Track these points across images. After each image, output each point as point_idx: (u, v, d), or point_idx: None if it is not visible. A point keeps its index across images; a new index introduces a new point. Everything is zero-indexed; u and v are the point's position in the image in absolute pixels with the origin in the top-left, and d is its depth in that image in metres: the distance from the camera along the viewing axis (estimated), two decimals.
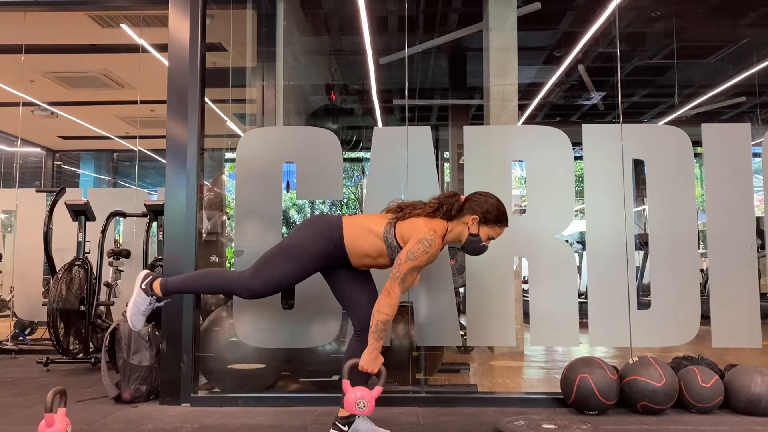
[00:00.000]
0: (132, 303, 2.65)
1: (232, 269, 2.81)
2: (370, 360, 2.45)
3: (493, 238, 2.63)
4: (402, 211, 2.60)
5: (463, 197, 2.63)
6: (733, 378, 3.11)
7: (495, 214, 2.58)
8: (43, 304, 4.44)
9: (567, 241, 3.60)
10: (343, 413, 2.58)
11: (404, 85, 3.66)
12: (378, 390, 2.43)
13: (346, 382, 2.42)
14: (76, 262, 4.49)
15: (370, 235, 2.55)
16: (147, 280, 2.65)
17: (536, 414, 2.97)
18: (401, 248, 2.51)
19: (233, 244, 3.46)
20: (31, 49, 5.89)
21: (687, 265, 3.38)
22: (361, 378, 2.53)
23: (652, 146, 3.44)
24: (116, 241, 6.33)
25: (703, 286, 4.32)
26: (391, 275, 2.45)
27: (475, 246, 2.60)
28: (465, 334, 3.53)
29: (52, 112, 7.94)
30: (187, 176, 3.36)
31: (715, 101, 7.84)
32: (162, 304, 2.70)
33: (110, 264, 5.08)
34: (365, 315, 2.58)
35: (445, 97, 8.55)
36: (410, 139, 3.39)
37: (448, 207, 2.58)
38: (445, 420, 2.94)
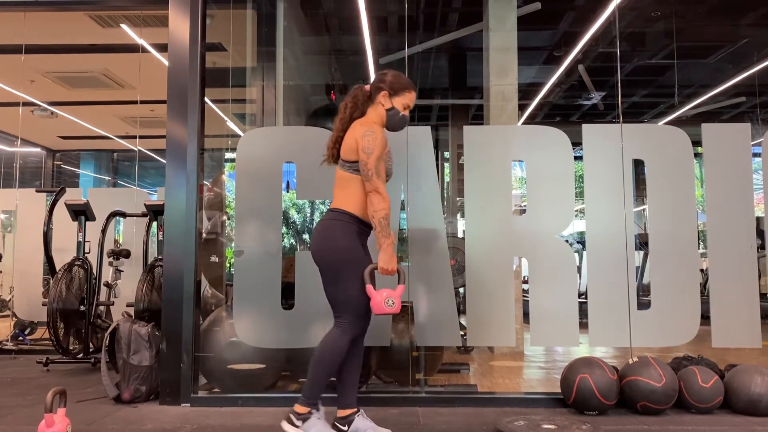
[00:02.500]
0: None
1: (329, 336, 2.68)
2: (387, 259, 2.49)
3: (409, 107, 2.71)
4: (333, 148, 2.70)
5: (366, 86, 2.73)
6: (733, 378, 3.10)
7: (399, 82, 2.68)
8: (43, 304, 4.44)
9: (567, 241, 3.60)
10: (342, 413, 2.58)
11: None
12: (401, 288, 2.52)
13: (369, 287, 2.48)
14: (76, 262, 4.49)
15: (347, 184, 2.58)
16: (290, 418, 2.53)
17: (536, 414, 2.97)
18: (359, 159, 2.55)
19: (233, 244, 3.46)
20: (31, 49, 5.89)
21: (687, 265, 3.38)
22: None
23: (652, 146, 3.44)
24: (116, 241, 6.33)
25: (703, 286, 4.32)
26: (364, 178, 2.51)
27: (396, 119, 2.68)
28: (465, 334, 3.54)
29: (52, 112, 7.93)
30: (187, 176, 3.36)
31: (715, 101, 7.84)
32: (322, 412, 2.58)
33: (110, 264, 5.08)
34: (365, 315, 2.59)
35: (445, 97, 8.56)
36: (410, 139, 3.39)
37: (357, 102, 2.69)
38: (445, 420, 2.94)
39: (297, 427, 2.51)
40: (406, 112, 2.70)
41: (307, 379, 2.57)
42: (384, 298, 2.46)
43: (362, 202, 2.57)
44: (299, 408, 2.54)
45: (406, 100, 2.69)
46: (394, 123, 2.69)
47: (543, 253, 3.38)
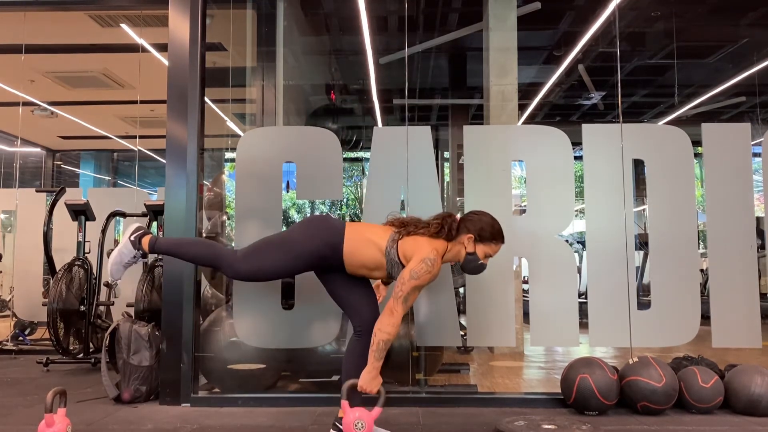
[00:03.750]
0: (116, 252, 2.66)
1: (228, 247, 2.82)
2: (369, 380, 2.44)
3: (491, 256, 2.65)
4: (405, 228, 2.60)
5: (458, 217, 2.66)
6: (733, 378, 3.10)
7: (490, 232, 2.60)
8: (43, 304, 4.44)
9: (567, 241, 3.60)
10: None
11: (404, 85, 3.67)
12: (377, 411, 2.39)
13: (344, 403, 2.39)
14: (76, 262, 4.49)
15: (372, 248, 2.55)
16: (137, 233, 2.66)
17: (536, 414, 2.97)
18: (402, 265, 2.51)
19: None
20: (31, 49, 5.89)
21: (687, 265, 3.38)
22: (359, 397, 2.50)
23: (652, 146, 3.44)
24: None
25: (703, 286, 4.32)
26: (393, 294, 2.44)
27: (473, 265, 2.62)
28: (465, 334, 3.54)
29: (52, 112, 7.93)
30: (187, 176, 3.36)
31: (715, 101, 7.84)
32: (146, 259, 2.73)
33: None
34: (365, 316, 2.58)
35: (445, 97, 8.56)
36: (410, 139, 3.39)
37: (448, 228, 2.60)
38: (445, 420, 2.94)
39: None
40: (486, 261, 2.64)
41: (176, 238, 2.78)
42: (354, 419, 2.34)
43: (358, 260, 2.54)
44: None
45: (490, 250, 2.62)
46: (469, 268, 2.64)
47: (543, 253, 3.38)
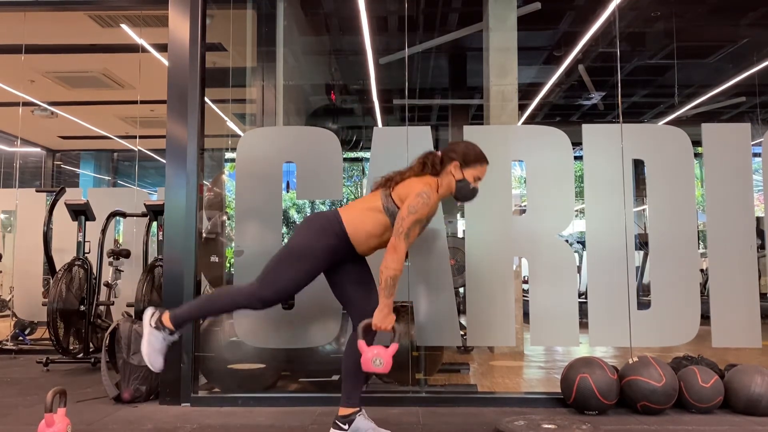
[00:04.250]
0: (145, 342, 2.57)
1: (234, 283, 2.79)
2: (382, 317, 2.45)
3: (480, 179, 2.69)
4: (391, 180, 2.63)
5: (439, 152, 2.70)
6: (733, 378, 3.11)
7: (473, 154, 2.65)
8: (43, 304, 4.44)
9: (567, 241, 3.60)
10: (343, 412, 2.58)
11: (404, 85, 3.66)
12: (394, 347, 2.45)
13: (361, 343, 2.45)
14: (76, 262, 4.49)
15: (371, 213, 2.55)
16: (155, 317, 2.60)
17: (536, 414, 2.97)
18: (400, 212, 2.52)
19: (233, 244, 3.46)
20: (31, 49, 5.89)
21: (687, 265, 3.38)
22: (373, 336, 2.54)
23: (652, 146, 3.44)
24: (116, 241, 6.33)
25: (703, 286, 4.32)
26: (394, 231, 2.46)
27: (466, 190, 2.66)
28: (465, 334, 3.54)
29: (52, 112, 7.93)
30: (187, 176, 3.36)
31: (715, 101, 7.84)
32: (176, 337, 2.62)
33: (110, 264, 5.08)
34: (364, 313, 2.58)
35: (445, 97, 8.56)
36: (410, 139, 3.39)
37: (431, 163, 2.64)
38: (445, 420, 2.94)
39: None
40: (477, 184, 2.67)
41: (191, 303, 2.69)
42: (373, 356, 2.41)
43: (363, 233, 2.53)
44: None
45: (477, 173, 2.66)
46: (464, 194, 2.67)
47: (543, 253, 3.38)
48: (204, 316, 2.68)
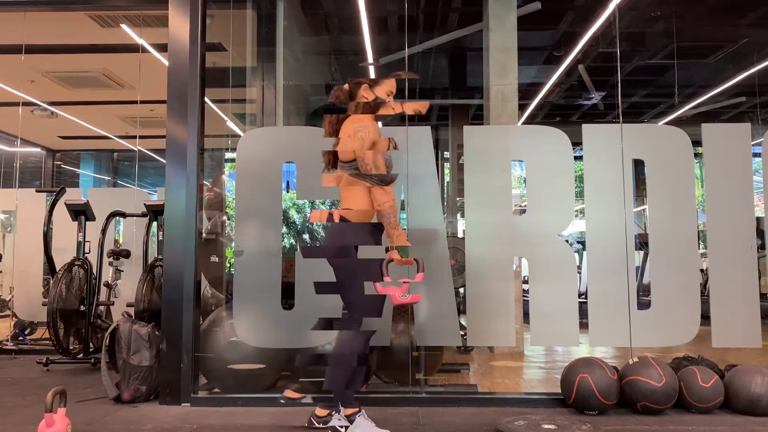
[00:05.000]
0: None
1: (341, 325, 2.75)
2: (396, 236, 2.49)
3: (393, 93, 2.70)
4: (330, 155, 2.68)
5: (345, 85, 2.72)
6: (733, 378, 3.10)
7: (377, 75, 2.70)
8: (43, 304, 4.44)
9: (567, 241, 3.60)
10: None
11: (404, 85, 3.66)
12: (420, 276, 2.58)
13: (387, 279, 2.54)
14: (76, 262, 4.49)
15: (352, 187, 2.58)
16: (343, 423, 2.60)
17: (536, 414, 2.97)
18: (354, 161, 2.56)
19: (233, 244, 3.46)
20: (31, 49, 5.89)
21: (687, 265, 3.38)
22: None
23: (652, 146, 3.44)
24: (116, 241, 6.33)
25: (703, 286, 4.32)
26: (364, 174, 2.50)
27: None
28: (465, 334, 3.53)
29: (52, 112, 7.93)
30: (187, 176, 3.36)
31: (715, 101, 7.84)
32: (361, 411, 2.60)
33: (110, 264, 5.08)
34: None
35: (445, 97, 8.55)
36: (410, 139, 3.39)
37: (345, 97, 2.68)
38: (445, 420, 2.94)
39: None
40: (391, 99, 2.70)
41: (329, 382, 2.59)
42: (399, 291, 2.52)
43: (361, 209, 2.57)
44: (347, 410, 2.59)
45: (387, 87, 2.69)
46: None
47: (543, 253, 3.38)
48: (351, 371, 2.63)
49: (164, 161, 3.41)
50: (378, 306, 2.60)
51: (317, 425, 2.58)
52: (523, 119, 7.63)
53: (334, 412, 2.58)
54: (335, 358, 2.60)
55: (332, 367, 2.59)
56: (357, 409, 2.59)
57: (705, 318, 3.34)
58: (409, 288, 2.54)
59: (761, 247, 6.29)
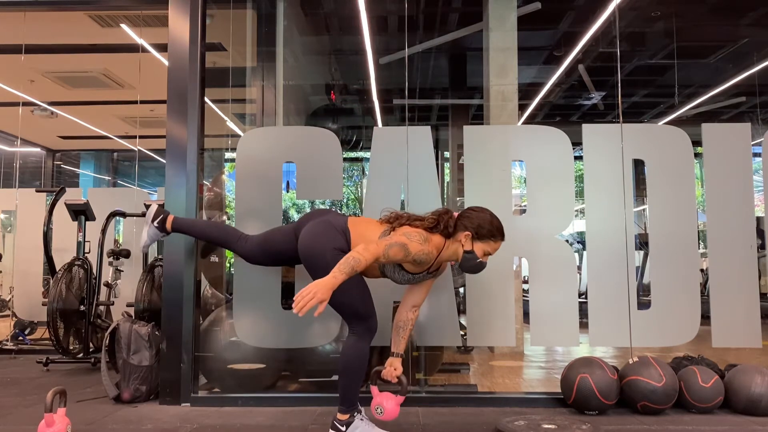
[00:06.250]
0: (146, 235, 2.99)
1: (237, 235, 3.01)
2: (322, 285, 2.14)
3: (490, 254, 2.60)
4: (398, 220, 2.57)
5: (456, 214, 2.61)
6: (733, 378, 3.11)
7: (488, 229, 2.55)
8: (43, 304, 4.44)
9: (567, 241, 3.60)
10: (341, 417, 2.57)
11: (404, 85, 3.66)
12: (401, 398, 2.60)
13: (373, 388, 2.57)
14: (76, 262, 4.49)
15: (372, 238, 2.52)
16: (159, 218, 2.97)
17: (536, 414, 2.97)
18: (395, 264, 2.51)
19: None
20: (31, 49, 5.89)
21: (687, 265, 3.38)
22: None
23: (652, 146, 3.44)
24: (116, 241, 6.33)
25: (703, 286, 4.32)
26: (381, 238, 2.45)
27: (471, 263, 2.57)
28: (465, 334, 3.54)
29: (52, 112, 7.93)
30: (187, 176, 3.36)
31: (715, 101, 7.84)
32: (362, 411, 2.61)
33: (110, 264, 5.08)
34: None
35: (445, 97, 8.55)
36: (410, 139, 3.39)
37: (444, 224, 2.55)
38: (445, 420, 2.94)
39: None
40: (485, 259, 2.59)
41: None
42: (376, 404, 2.56)
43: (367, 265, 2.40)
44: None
45: (488, 248, 2.57)
46: (468, 267, 2.59)
47: (543, 253, 3.38)
48: (195, 236, 3.12)
49: (164, 161, 3.41)
50: (370, 313, 2.54)
51: (342, 429, 2.55)
52: (523, 119, 7.62)
53: (355, 414, 2.57)
54: (345, 368, 2.53)
55: (343, 377, 2.53)
56: (349, 414, 2.56)
57: (705, 318, 3.34)
58: (388, 404, 2.54)
59: (761, 247, 6.28)
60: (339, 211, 2.78)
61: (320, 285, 2.13)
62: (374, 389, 2.56)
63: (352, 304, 2.49)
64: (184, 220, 3.09)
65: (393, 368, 2.71)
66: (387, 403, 2.56)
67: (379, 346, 3.39)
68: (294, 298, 2.10)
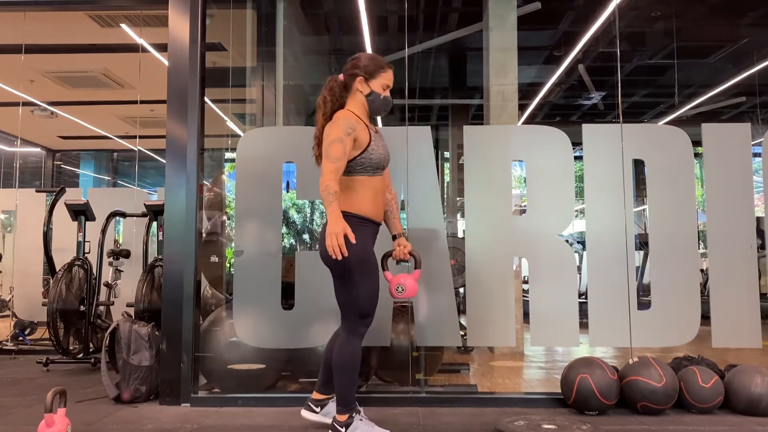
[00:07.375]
0: None
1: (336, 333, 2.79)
2: (332, 226, 2.30)
3: (389, 86, 2.65)
4: (317, 147, 2.62)
5: (340, 75, 2.66)
6: (733, 378, 3.10)
7: (372, 64, 2.63)
8: (43, 304, 4.44)
9: (567, 241, 3.60)
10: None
11: (404, 85, 3.66)
12: (417, 273, 2.64)
13: (386, 273, 2.65)
14: (76, 262, 4.49)
15: (347, 185, 2.53)
16: (340, 429, 2.53)
17: (536, 414, 2.97)
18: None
19: (233, 244, 3.46)
20: (31, 49, 5.89)
21: (687, 265, 3.38)
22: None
23: (652, 146, 3.44)
24: (116, 241, 6.33)
25: (703, 286, 4.32)
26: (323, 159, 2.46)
27: (377, 102, 2.62)
28: (465, 334, 3.53)
29: (52, 112, 7.94)
30: (187, 176, 3.36)
31: (715, 101, 7.84)
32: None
33: (110, 264, 5.08)
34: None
35: (445, 97, 8.55)
36: (410, 139, 3.39)
37: (335, 94, 2.61)
38: (445, 420, 2.94)
39: None
40: (387, 93, 2.64)
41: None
42: (396, 284, 2.58)
43: (367, 200, 2.54)
44: (340, 417, 2.53)
45: (384, 81, 2.63)
46: (376, 107, 2.64)
47: (543, 253, 3.38)
48: (354, 383, 2.57)
49: (164, 161, 3.41)
50: (370, 310, 2.54)
51: (341, 429, 2.54)
52: (523, 119, 7.62)
53: (354, 414, 2.57)
54: (338, 367, 2.53)
55: (338, 376, 2.53)
56: (348, 415, 2.56)
57: (705, 318, 3.33)
58: (407, 282, 2.59)
59: (761, 247, 6.29)
60: None
61: (330, 228, 2.29)
62: (387, 274, 2.62)
63: (358, 298, 2.50)
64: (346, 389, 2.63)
65: (402, 246, 2.71)
66: (406, 281, 2.58)
67: (379, 346, 3.40)
68: (327, 249, 2.28)
